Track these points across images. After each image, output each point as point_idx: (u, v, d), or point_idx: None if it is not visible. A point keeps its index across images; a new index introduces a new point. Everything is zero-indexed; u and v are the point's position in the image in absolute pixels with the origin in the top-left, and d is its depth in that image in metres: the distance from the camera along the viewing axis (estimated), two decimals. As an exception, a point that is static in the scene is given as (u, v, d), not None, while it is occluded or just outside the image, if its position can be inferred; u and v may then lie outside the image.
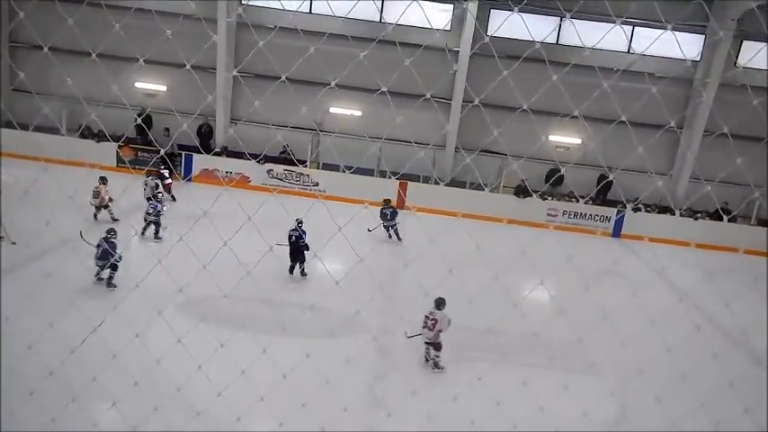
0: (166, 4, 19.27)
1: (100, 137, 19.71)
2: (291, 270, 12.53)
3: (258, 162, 18.93)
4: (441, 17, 19.66)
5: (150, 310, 9.97)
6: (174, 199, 16.91)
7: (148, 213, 13.76)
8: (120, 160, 19.42)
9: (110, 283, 11.04)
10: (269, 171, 19.27)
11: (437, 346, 9.24)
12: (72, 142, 19.47)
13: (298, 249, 12.27)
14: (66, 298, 10.26)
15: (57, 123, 19.97)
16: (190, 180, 18.98)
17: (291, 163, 19.40)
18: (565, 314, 11.79)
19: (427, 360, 9.32)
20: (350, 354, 9.32)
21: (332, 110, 19.96)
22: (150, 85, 20.33)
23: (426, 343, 9.29)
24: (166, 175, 16.77)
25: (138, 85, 20.35)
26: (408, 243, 15.32)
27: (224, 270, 12.94)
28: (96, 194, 14.60)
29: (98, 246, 10.86)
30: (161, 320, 9.66)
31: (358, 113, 19.86)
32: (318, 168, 19.62)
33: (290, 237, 12.32)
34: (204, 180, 19.03)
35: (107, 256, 10.75)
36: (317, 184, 19.28)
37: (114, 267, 10.94)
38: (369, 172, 19.49)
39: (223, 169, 19.32)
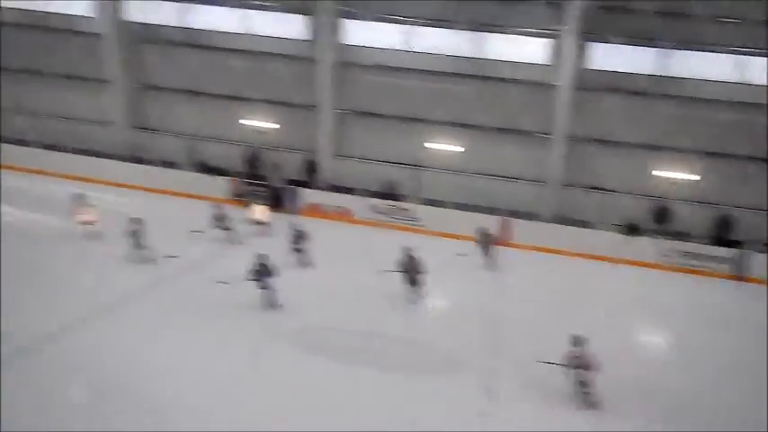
0: (273, 46, 20.42)
1: (214, 171, 20.89)
2: (408, 296, 12.88)
3: (362, 197, 19.45)
4: (538, 51, 19.49)
5: (264, 338, 10.51)
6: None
7: (293, 242, 14.59)
8: (233, 193, 20.47)
9: (273, 304, 11.78)
10: (372, 206, 19.71)
11: (589, 384, 9.09)
12: (189, 176, 20.80)
13: (413, 275, 12.82)
14: (182, 320, 10.95)
15: (176, 158, 21.45)
16: (297, 213, 19.69)
17: (394, 198, 19.81)
18: (687, 365, 11.32)
19: (581, 398, 9.17)
20: (455, 392, 9.40)
21: (433, 145, 20.23)
22: (260, 122, 21.38)
23: (579, 381, 9.15)
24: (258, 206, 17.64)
25: (247, 122, 21.44)
26: (511, 279, 15.19)
27: (335, 301, 13.44)
28: (219, 218, 15.88)
29: (255, 270, 11.69)
30: (274, 349, 10.16)
31: (460, 149, 20.01)
32: (420, 203, 19.85)
33: (403, 264, 12.92)
34: (311, 213, 19.73)
35: (263, 278, 11.69)
36: (418, 219, 19.51)
37: (270, 288, 11.75)
38: (470, 207, 19.48)
39: (328, 203, 19.94)
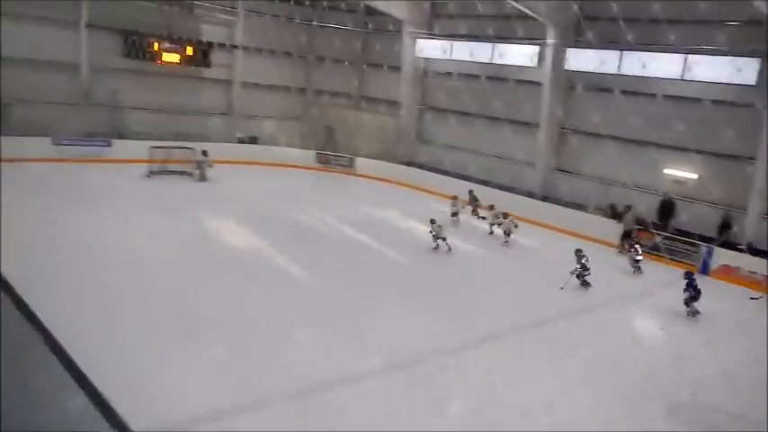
0: (711, 93, 18.82)
1: (620, 218, 20.42)
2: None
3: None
4: None
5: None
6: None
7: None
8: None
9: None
10: (802, 281, 16.25)
11: None
12: (592, 219, 20.95)
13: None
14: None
15: (585, 201, 21.89)
16: (707, 274, 17.72)
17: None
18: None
19: None
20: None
21: None
22: (680, 172, 20.08)
23: None
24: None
25: (667, 171, 20.36)
26: None
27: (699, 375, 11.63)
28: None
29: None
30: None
31: None
32: None
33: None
34: (723, 276, 17.51)
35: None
36: None
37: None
38: None
39: (745, 267, 17.30)
